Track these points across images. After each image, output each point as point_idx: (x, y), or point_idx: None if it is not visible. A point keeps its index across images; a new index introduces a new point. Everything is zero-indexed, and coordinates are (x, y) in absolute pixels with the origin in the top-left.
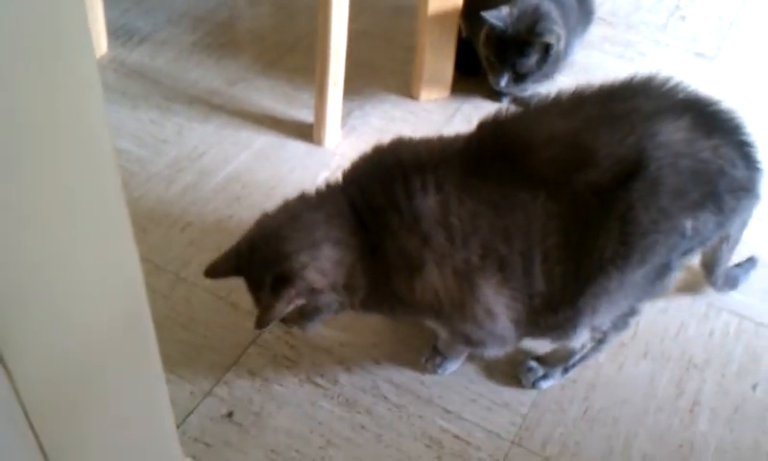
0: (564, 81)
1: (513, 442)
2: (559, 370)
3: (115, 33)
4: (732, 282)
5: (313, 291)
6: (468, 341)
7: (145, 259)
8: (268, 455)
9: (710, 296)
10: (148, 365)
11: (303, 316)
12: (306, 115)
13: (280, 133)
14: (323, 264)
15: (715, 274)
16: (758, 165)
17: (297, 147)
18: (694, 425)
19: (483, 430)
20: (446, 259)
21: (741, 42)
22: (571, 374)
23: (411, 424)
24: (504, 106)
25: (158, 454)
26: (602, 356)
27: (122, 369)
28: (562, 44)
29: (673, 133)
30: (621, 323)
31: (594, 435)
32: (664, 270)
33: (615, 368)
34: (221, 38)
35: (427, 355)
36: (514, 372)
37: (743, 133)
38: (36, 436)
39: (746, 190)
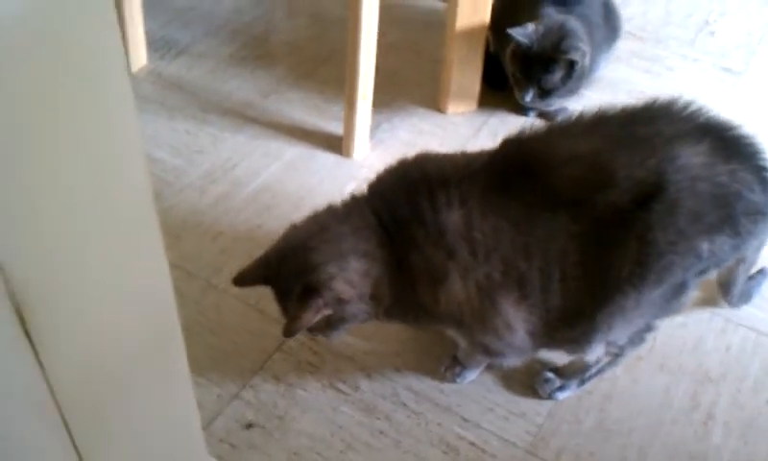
0: (590, 96)
1: (527, 451)
2: (575, 381)
3: (154, 44)
4: (745, 297)
5: (340, 301)
6: (487, 351)
7: (177, 266)
8: (290, 458)
9: (729, 312)
10: (176, 368)
11: (330, 325)
12: (336, 127)
13: (310, 144)
14: (350, 275)
15: (731, 293)
16: None
17: (326, 159)
18: (708, 438)
19: (499, 439)
20: (469, 273)
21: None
22: (587, 386)
23: (429, 431)
24: (530, 120)
25: (184, 453)
26: (618, 369)
27: (151, 371)
28: (587, 61)
29: (692, 157)
30: (637, 338)
31: (609, 446)
32: (680, 289)
33: (631, 380)
34: (257, 51)
35: (447, 364)
36: (531, 382)
37: (761, 158)
38: (70, 433)
39: (763, 214)
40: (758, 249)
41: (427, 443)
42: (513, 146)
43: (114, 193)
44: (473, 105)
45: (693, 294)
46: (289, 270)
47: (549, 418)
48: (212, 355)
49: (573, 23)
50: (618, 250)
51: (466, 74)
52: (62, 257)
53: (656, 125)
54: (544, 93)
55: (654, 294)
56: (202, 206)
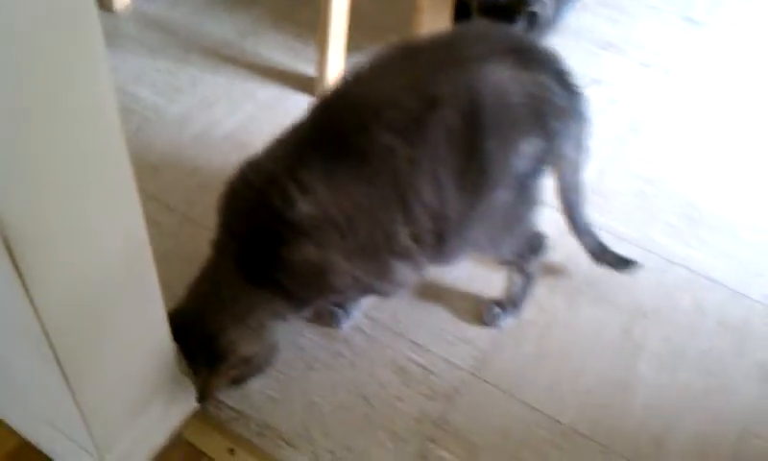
0: (554, 43)
1: (470, 373)
2: (511, 307)
3: None
4: (596, 250)
5: (245, 360)
6: (380, 293)
7: (155, 199)
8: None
9: (666, 252)
10: (149, 294)
11: (241, 378)
12: (310, 69)
13: (285, 85)
14: (249, 333)
15: (568, 207)
16: (576, 90)
17: (299, 100)
18: (635, 367)
19: (445, 361)
20: (346, 247)
21: (733, 10)
22: (528, 315)
23: (382, 354)
24: None
25: (158, 370)
26: (559, 302)
27: (126, 297)
28: (548, 11)
29: (500, 72)
30: (527, 250)
31: (544, 370)
32: (526, 194)
33: (570, 313)
34: None
35: (330, 312)
36: (479, 312)
37: (560, 66)
38: (55, 353)
39: (569, 114)
40: (577, 148)
41: (380, 364)
42: (332, 105)
43: (88, 138)
44: None
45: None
46: (193, 341)
47: (493, 344)
48: (185, 281)
49: None
50: (460, 162)
51: (436, 22)
52: (44, 197)
53: (463, 49)
54: None
55: (500, 199)
56: (180, 142)
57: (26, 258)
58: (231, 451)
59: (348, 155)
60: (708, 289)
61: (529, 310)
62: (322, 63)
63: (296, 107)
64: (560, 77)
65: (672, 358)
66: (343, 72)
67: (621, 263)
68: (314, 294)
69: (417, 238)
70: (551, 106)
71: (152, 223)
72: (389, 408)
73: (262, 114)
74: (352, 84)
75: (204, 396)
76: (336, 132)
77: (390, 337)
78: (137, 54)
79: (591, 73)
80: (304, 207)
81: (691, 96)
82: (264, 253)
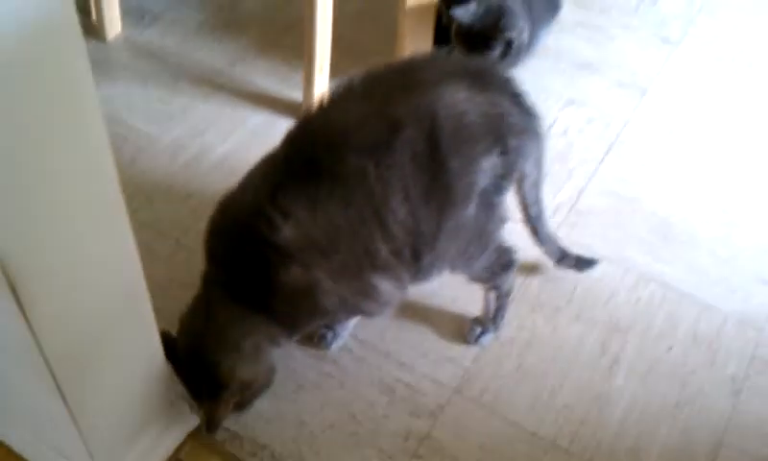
0: (535, 64)
1: (454, 390)
2: (490, 325)
3: (129, 13)
4: (558, 256)
5: (246, 384)
6: (363, 313)
7: (149, 227)
8: None
9: (641, 269)
10: (143, 319)
11: (245, 402)
12: (298, 95)
13: (273, 111)
14: (248, 359)
15: (530, 220)
16: (531, 111)
17: (287, 125)
18: (612, 381)
19: (430, 380)
20: (331, 267)
21: (707, 28)
22: (508, 332)
23: (370, 374)
24: None
25: (151, 394)
26: (539, 320)
27: (121, 322)
28: (524, 37)
29: (455, 94)
30: (498, 266)
31: (525, 386)
32: (490, 210)
33: (550, 330)
34: (225, 19)
35: (321, 334)
36: (461, 331)
37: (514, 87)
38: (54, 376)
39: (525, 132)
40: (537, 165)
41: (368, 384)
42: (302, 134)
43: (84, 183)
44: None
45: (506, 217)
46: (192, 373)
47: (475, 362)
48: (179, 307)
49: (512, 2)
50: (428, 182)
51: (418, 44)
52: (44, 237)
53: (420, 74)
54: None
55: (467, 215)
56: (172, 169)
57: (28, 294)
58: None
59: (323, 178)
60: (682, 304)
61: (510, 329)
62: (308, 89)
63: (284, 131)
64: (515, 98)
65: (647, 372)
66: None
67: (582, 264)
68: (304, 316)
69: (396, 253)
70: (507, 125)
71: (146, 250)
72: (376, 426)
73: (252, 140)
74: (320, 113)
75: (211, 426)
76: (309, 158)
77: (377, 357)
78: (130, 83)
79: (570, 94)
80: (288, 232)
81: (667, 115)
82: (254, 278)
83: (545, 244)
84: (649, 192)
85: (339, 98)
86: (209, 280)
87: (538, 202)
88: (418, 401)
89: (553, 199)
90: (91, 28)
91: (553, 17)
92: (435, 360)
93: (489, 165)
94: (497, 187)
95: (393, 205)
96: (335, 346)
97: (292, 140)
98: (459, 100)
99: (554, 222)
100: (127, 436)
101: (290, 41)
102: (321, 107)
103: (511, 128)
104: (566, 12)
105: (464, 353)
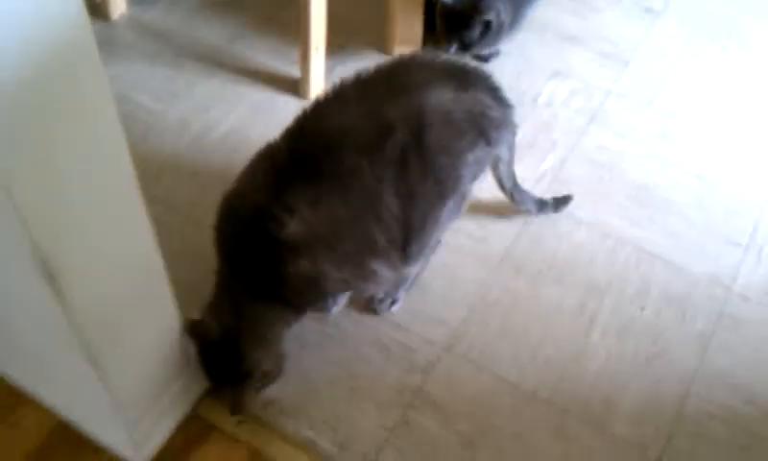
0: (522, 37)
1: (443, 348)
2: (401, 292)
3: None
4: (537, 207)
5: (268, 374)
6: (367, 291)
7: (160, 202)
8: None
9: (618, 233)
10: (161, 291)
11: (261, 387)
12: (295, 71)
13: (273, 88)
14: (270, 349)
15: (508, 189)
16: (508, 103)
17: (286, 101)
18: (589, 338)
19: (422, 339)
20: (334, 257)
21: None
22: (491, 297)
23: (367, 335)
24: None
25: (173, 355)
26: (522, 283)
27: (142, 296)
28: (503, 17)
29: (442, 95)
30: (436, 244)
31: (507, 344)
32: (463, 197)
33: (532, 292)
34: None
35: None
36: (450, 295)
37: (492, 83)
38: (86, 346)
39: (503, 124)
40: (510, 150)
41: (365, 343)
42: (302, 135)
43: (103, 165)
44: (417, 46)
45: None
46: (221, 361)
47: (462, 323)
48: (194, 277)
49: None
50: (420, 175)
51: (408, 22)
52: (73, 222)
53: (408, 77)
54: (465, 47)
55: (451, 203)
56: (179, 146)
57: (64, 280)
58: (239, 422)
59: (324, 177)
60: (655, 266)
61: (495, 291)
62: (304, 68)
63: (283, 108)
64: (493, 93)
65: (621, 329)
66: (323, 74)
67: (560, 204)
68: (312, 300)
69: (391, 241)
70: (489, 119)
71: (159, 224)
72: (373, 381)
73: (254, 116)
74: (317, 114)
75: (237, 410)
76: (309, 158)
77: (373, 319)
78: (136, 61)
79: (555, 66)
80: (294, 228)
81: (647, 85)
82: (266, 273)
83: (524, 204)
84: (628, 160)
85: (334, 100)
86: (226, 277)
87: (511, 176)
88: (411, 359)
89: (537, 168)
90: (96, 8)
91: None
92: (426, 321)
93: (473, 158)
94: (475, 176)
95: (387, 199)
96: (335, 310)
97: (292, 139)
98: (445, 100)
99: (538, 189)
100: (150, 395)
101: (286, 18)
102: (317, 107)
103: (492, 121)
104: None
105: (452, 315)
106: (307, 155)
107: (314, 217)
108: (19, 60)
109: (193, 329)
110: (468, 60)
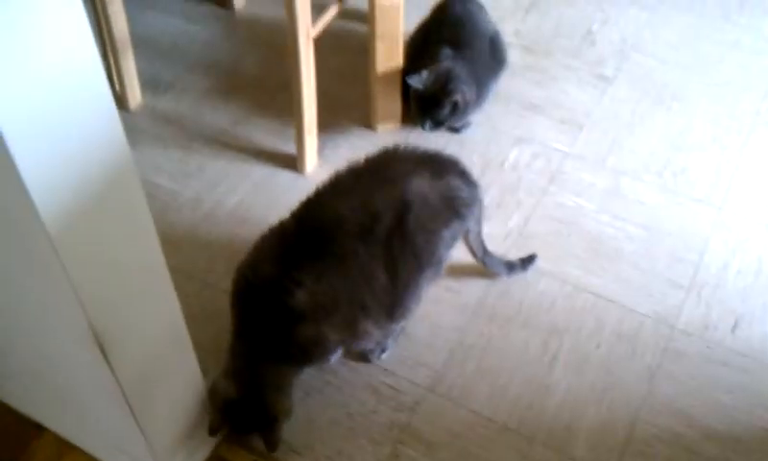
0: (489, 108)
1: (427, 389)
2: (390, 341)
3: (146, 83)
4: (507, 270)
5: (288, 414)
6: (358, 347)
7: (179, 271)
8: None
9: (576, 281)
10: (185, 350)
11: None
12: (292, 148)
13: (273, 164)
14: (287, 396)
15: (478, 256)
16: (475, 183)
17: (285, 176)
18: (552, 374)
19: (408, 382)
20: (334, 322)
21: (638, 64)
22: (469, 340)
23: (362, 380)
24: (443, 133)
25: (197, 403)
26: (495, 328)
27: (170, 355)
28: (469, 97)
29: (420, 183)
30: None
31: (483, 383)
32: (440, 265)
33: (503, 336)
34: (228, 83)
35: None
36: (431, 342)
37: (461, 168)
38: (128, 403)
39: (473, 201)
40: (478, 222)
41: (360, 388)
42: (305, 220)
43: (136, 245)
44: (398, 123)
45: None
46: (246, 412)
47: (443, 365)
48: (210, 335)
49: (459, 68)
50: (402, 253)
51: (388, 102)
52: (116, 298)
53: (392, 169)
54: (436, 124)
55: (430, 271)
56: (194, 220)
57: (110, 346)
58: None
59: (326, 256)
60: (609, 309)
61: (472, 336)
62: (300, 147)
63: (283, 182)
64: (462, 176)
65: (579, 365)
66: (316, 151)
67: (526, 263)
68: (316, 358)
69: (380, 306)
70: (460, 199)
71: (179, 291)
72: (367, 420)
73: (257, 191)
74: (318, 203)
75: (274, 447)
76: (314, 240)
77: (366, 366)
78: (153, 146)
79: (518, 133)
80: (301, 297)
81: (600, 146)
82: (277, 336)
83: (495, 268)
84: (584, 216)
85: (331, 190)
86: (241, 340)
87: (480, 244)
88: (399, 399)
89: (504, 226)
90: (116, 100)
91: (499, 73)
92: (412, 365)
93: (449, 234)
94: (450, 247)
95: (377, 274)
96: (333, 359)
97: (299, 223)
98: (423, 187)
99: (505, 245)
100: (178, 438)
101: (281, 100)
102: (318, 195)
103: (462, 201)
104: (517, 57)
105: (434, 359)
106: (312, 237)
107: (318, 289)
108: (84, 171)
109: (214, 393)
110: (444, 133)
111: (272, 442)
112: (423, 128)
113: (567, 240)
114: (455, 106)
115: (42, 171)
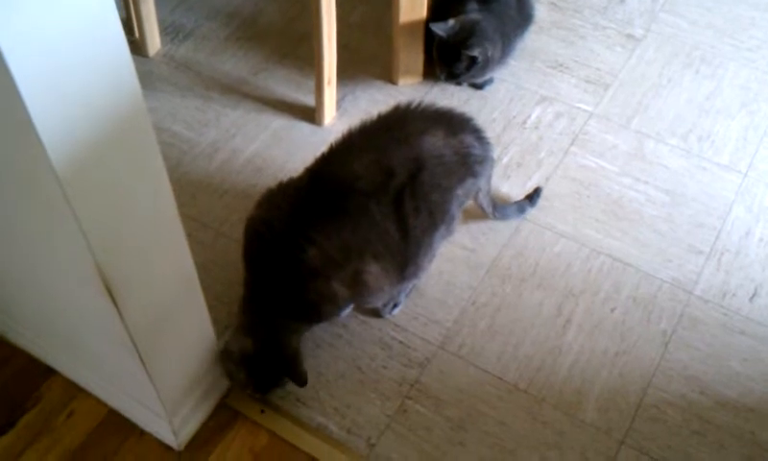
0: (514, 64)
1: (438, 346)
2: (402, 297)
3: (166, 30)
4: (503, 214)
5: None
6: (375, 303)
7: (194, 219)
8: None
9: (594, 243)
10: (195, 297)
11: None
12: (311, 100)
13: (291, 115)
14: (296, 345)
15: (487, 212)
16: (488, 141)
17: (303, 127)
18: (564, 336)
19: (419, 338)
20: (345, 279)
21: (667, 25)
22: (480, 294)
23: (372, 335)
24: (464, 88)
25: (206, 353)
26: (508, 288)
27: (180, 301)
28: (490, 54)
29: (435, 141)
30: (431, 261)
31: (494, 342)
32: (453, 221)
33: (516, 297)
34: (248, 32)
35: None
36: (444, 299)
37: (474, 126)
38: (136, 349)
39: (486, 160)
40: (488, 181)
41: (370, 342)
42: (320, 177)
43: (148, 190)
44: (419, 77)
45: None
46: (265, 364)
47: (455, 323)
48: (223, 285)
49: (484, 22)
50: (415, 210)
51: (410, 56)
52: (125, 242)
53: (405, 126)
54: (453, 76)
55: (442, 229)
56: (210, 169)
57: (118, 291)
58: (262, 411)
59: (338, 213)
60: (626, 272)
61: (484, 295)
62: (318, 98)
63: (300, 134)
64: (476, 134)
65: (593, 328)
66: (335, 103)
67: (534, 198)
68: (327, 314)
69: (392, 264)
70: (473, 157)
71: (192, 239)
72: (377, 375)
73: (274, 142)
74: (332, 160)
75: (304, 381)
76: (327, 197)
77: (377, 321)
78: (171, 93)
79: (542, 91)
80: (313, 253)
81: (625, 107)
82: (289, 291)
83: (507, 219)
84: (605, 178)
85: (345, 147)
86: (253, 295)
87: (490, 202)
88: (409, 355)
89: (524, 186)
90: (136, 45)
91: (526, 29)
92: (423, 322)
93: (462, 191)
94: (462, 204)
95: (390, 230)
96: (344, 313)
97: (313, 180)
98: (437, 146)
99: None
100: (187, 387)
101: (302, 51)
102: (331, 153)
103: (476, 158)
104: (544, 13)
105: (446, 316)
106: (325, 194)
107: (329, 245)
108: (95, 114)
109: (230, 352)
110: (465, 89)
111: (299, 376)
112: (440, 78)
113: (587, 202)
114: (473, 61)
115: (51, 111)
